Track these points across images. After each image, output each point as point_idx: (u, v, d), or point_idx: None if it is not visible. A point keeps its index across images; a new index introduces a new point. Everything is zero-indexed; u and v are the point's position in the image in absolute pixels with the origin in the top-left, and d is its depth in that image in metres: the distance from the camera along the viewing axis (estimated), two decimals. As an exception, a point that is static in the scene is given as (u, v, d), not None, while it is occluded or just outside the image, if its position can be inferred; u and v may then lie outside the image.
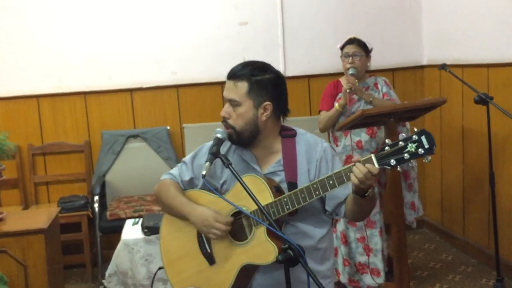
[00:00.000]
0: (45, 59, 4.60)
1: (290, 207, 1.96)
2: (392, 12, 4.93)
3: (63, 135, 4.68)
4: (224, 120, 2.09)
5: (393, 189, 3.39)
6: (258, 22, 4.79)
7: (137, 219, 3.65)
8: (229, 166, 1.93)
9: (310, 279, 1.64)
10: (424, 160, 1.81)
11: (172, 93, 4.77)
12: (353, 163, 1.86)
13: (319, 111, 3.86)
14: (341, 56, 3.81)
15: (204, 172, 1.94)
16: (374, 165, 1.83)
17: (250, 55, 4.47)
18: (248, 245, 2.03)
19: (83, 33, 4.62)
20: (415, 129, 1.82)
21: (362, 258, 3.78)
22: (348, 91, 3.60)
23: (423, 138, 1.79)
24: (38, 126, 4.66)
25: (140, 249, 3.34)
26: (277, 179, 2.09)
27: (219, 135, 2.05)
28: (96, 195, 4.30)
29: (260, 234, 2.00)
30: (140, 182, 4.56)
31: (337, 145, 3.82)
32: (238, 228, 2.08)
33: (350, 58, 3.72)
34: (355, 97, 3.73)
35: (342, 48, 3.81)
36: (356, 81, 3.68)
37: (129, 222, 3.64)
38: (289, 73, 4.76)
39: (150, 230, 3.33)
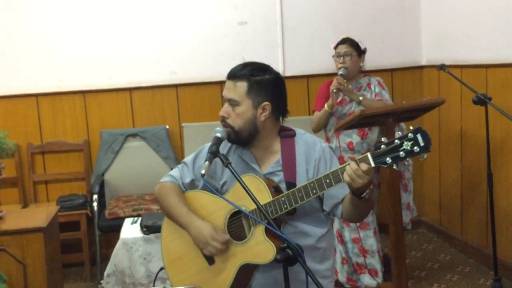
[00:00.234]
0: (45, 58, 4.60)
1: (288, 206, 1.97)
2: (392, 13, 4.94)
3: (62, 134, 4.68)
4: (223, 120, 2.11)
5: (391, 189, 3.39)
6: (258, 22, 4.80)
7: (136, 218, 3.65)
8: (228, 165, 1.94)
9: (308, 278, 1.65)
10: (420, 158, 1.81)
11: (171, 92, 4.78)
12: (349, 162, 1.86)
13: (313, 111, 3.88)
14: (333, 56, 3.82)
15: (203, 172, 1.95)
16: (370, 163, 1.83)
17: (250, 54, 4.47)
18: (247, 244, 2.04)
19: (83, 33, 4.63)
20: (411, 128, 1.82)
21: (359, 259, 3.79)
22: (334, 91, 3.62)
23: (419, 136, 1.80)
24: (37, 125, 4.66)
25: (139, 248, 3.34)
26: (276, 179, 2.10)
27: (218, 135, 2.06)
28: (95, 194, 4.30)
29: (258, 233, 2.00)
30: (139, 181, 4.57)
31: None
32: (237, 227, 2.09)
33: (342, 58, 3.74)
34: (348, 97, 3.75)
35: (335, 48, 3.83)
36: (345, 81, 3.69)
37: (128, 221, 3.65)
38: (288, 73, 4.77)
39: (149, 229, 3.33)
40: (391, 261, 3.48)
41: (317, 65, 4.76)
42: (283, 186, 2.08)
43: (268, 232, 1.98)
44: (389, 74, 4.99)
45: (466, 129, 4.34)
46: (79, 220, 4.37)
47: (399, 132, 1.84)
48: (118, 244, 3.37)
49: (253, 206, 1.98)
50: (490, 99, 3.37)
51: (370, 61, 4.79)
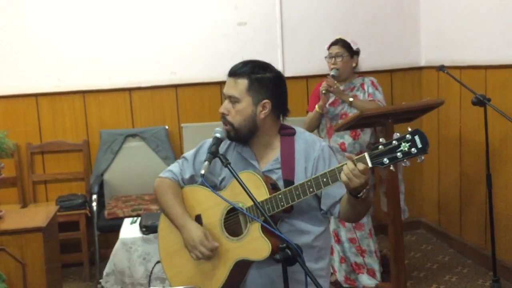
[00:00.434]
0: (45, 58, 4.60)
1: (285, 204, 1.98)
2: (391, 14, 4.95)
3: (62, 134, 4.69)
4: (223, 117, 2.12)
5: (390, 189, 3.40)
6: (257, 22, 4.80)
7: (135, 218, 3.65)
8: (228, 165, 1.95)
9: (306, 278, 1.66)
10: (417, 160, 1.82)
11: (170, 92, 4.78)
12: (346, 162, 1.87)
13: (307, 112, 3.89)
14: (325, 57, 3.84)
15: (203, 172, 1.96)
16: (367, 163, 1.83)
17: (249, 55, 4.43)
18: (242, 240, 2.05)
19: (83, 33, 4.63)
20: (409, 129, 1.83)
21: (357, 259, 3.79)
22: (323, 92, 3.63)
23: (417, 138, 1.80)
24: (37, 125, 4.66)
25: (138, 248, 3.34)
26: (274, 176, 2.11)
27: (218, 135, 2.07)
28: (94, 194, 4.30)
29: (254, 230, 2.01)
30: (138, 181, 4.57)
31: None
32: (234, 223, 2.10)
33: (333, 59, 3.75)
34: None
35: (328, 48, 3.84)
36: (335, 82, 3.70)
37: (127, 221, 3.65)
38: (288, 73, 4.77)
39: (148, 229, 3.33)
40: (390, 261, 3.49)
41: (316, 65, 4.76)
42: (281, 183, 2.09)
43: (264, 229, 1.99)
44: (389, 75, 4.99)
45: (465, 130, 4.34)
46: (78, 220, 4.37)
47: (397, 134, 1.84)
48: (117, 244, 3.37)
49: (251, 203, 1.99)
50: (489, 100, 3.38)
51: (370, 62, 4.83)
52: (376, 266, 3.79)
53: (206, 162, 1.98)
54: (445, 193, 4.74)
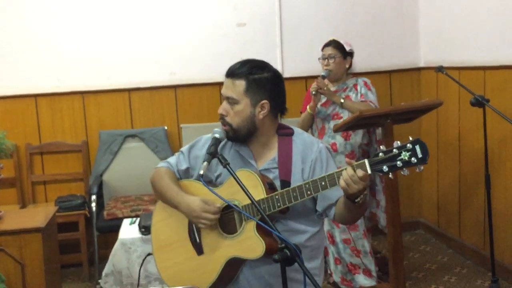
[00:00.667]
0: (44, 58, 4.60)
1: (281, 205, 1.98)
2: (390, 14, 4.95)
3: (61, 134, 4.69)
4: (222, 117, 2.12)
5: (389, 190, 3.40)
6: (257, 22, 4.81)
7: (134, 219, 3.65)
8: (227, 166, 1.95)
9: (300, 277, 1.65)
10: (416, 169, 1.83)
11: (170, 93, 4.79)
12: (346, 167, 1.87)
13: (300, 113, 3.90)
14: (319, 59, 3.85)
15: (201, 172, 1.96)
16: (367, 170, 1.84)
17: (249, 55, 4.37)
18: (237, 238, 2.06)
19: (82, 33, 4.63)
20: (410, 138, 1.84)
21: (353, 259, 3.79)
22: (313, 93, 3.65)
23: (417, 147, 1.81)
24: (36, 126, 4.66)
25: (137, 249, 3.35)
26: (271, 176, 2.11)
27: (217, 135, 2.07)
28: (94, 194, 4.30)
29: (249, 228, 2.02)
30: (137, 182, 4.57)
31: None
32: (228, 220, 2.11)
33: (326, 60, 3.76)
34: None
35: (322, 50, 3.85)
36: (326, 83, 3.71)
37: (126, 222, 3.65)
38: (287, 73, 4.77)
39: (147, 229, 3.33)
40: (389, 262, 3.49)
41: (316, 65, 4.72)
42: (277, 183, 2.09)
43: (259, 229, 2.00)
44: (387, 75, 5.00)
45: (464, 131, 4.35)
46: (77, 221, 4.38)
47: (398, 142, 1.86)
48: (116, 245, 3.37)
49: (246, 201, 2.00)
50: (488, 101, 3.38)
51: (369, 63, 4.84)
52: (372, 266, 3.80)
53: (205, 163, 1.98)
54: (444, 193, 4.74)
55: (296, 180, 2.08)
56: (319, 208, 2.12)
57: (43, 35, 4.59)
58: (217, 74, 4.36)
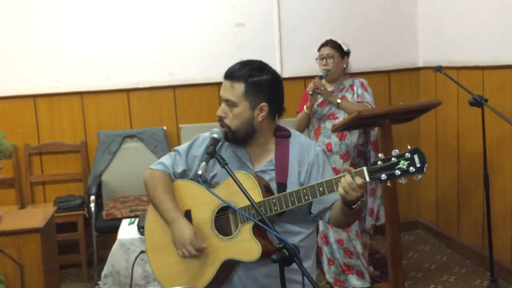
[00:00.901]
0: (43, 59, 4.60)
1: (278, 209, 1.99)
2: (388, 14, 4.95)
3: (60, 135, 4.68)
4: (220, 119, 2.11)
5: (388, 190, 3.40)
6: (255, 23, 4.81)
7: (133, 219, 3.65)
8: (225, 166, 1.94)
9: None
10: (414, 178, 1.85)
11: (168, 93, 4.79)
12: (344, 173, 1.89)
13: (297, 113, 3.90)
14: (316, 59, 3.84)
15: (200, 172, 1.95)
16: (365, 178, 1.86)
17: (247, 56, 4.36)
18: (232, 240, 2.06)
19: (81, 34, 4.63)
20: (409, 147, 1.86)
21: (346, 260, 3.80)
22: (310, 93, 3.64)
23: (416, 157, 1.83)
24: (34, 126, 4.66)
25: (136, 249, 3.34)
26: (267, 177, 2.12)
27: (215, 135, 2.06)
28: (92, 195, 4.30)
29: (245, 231, 2.03)
30: (136, 182, 4.55)
31: None
32: (224, 222, 2.11)
33: (324, 60, 3.76)
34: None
35: (319, 50, 3.84)
36: (323, 83, 3.70)
37: (125, 222, 3.64)
38: (285, 74, 4.78)
39: (146, 230, 3.33)
40: (388, 262, 3.49)
41: (314, 66, 4.73)
42: (273, 185, 2.10)
43: (255, 231, 2.01)
44: (386, 75, 5.00)
45: (463, 130, 4.35)
46: (76, 221, 4.37)
47: (396, 150, 1.88)
48: (115, 245, 3.37)
49: (243, 203, 2.00)
50: (486, 100, 3.38)
51: (367, 63, 4.84)
52: (363, 268, 3.79)
53: (204, 163, 1.97)
54: (443, 193, 4.75)
55: (292, 183, 2.09)
56: (314, 211, 2.13)
57: (42, 35, 4.59)
58: (216, 74, 4.37)
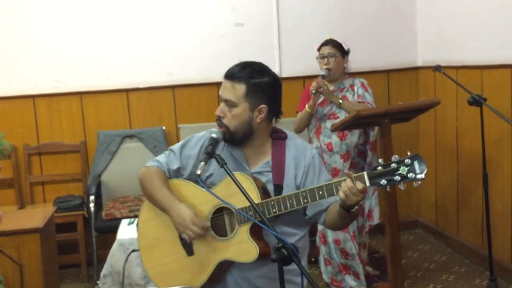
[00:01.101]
0: (42, 59, 4.60)
1: (277, 211, 2.00)
2: (388, 14, 4.96)
3: (59, 135, 4.69)
4: (219, 119, 2.11)
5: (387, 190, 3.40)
6: (254, 23, 4.81)
7: (132, 219, 3.66)
8: (224, 166, 1.94)
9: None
10: (414, 184, 1.88)
11: (168, 93, 4.79)
12: (344, 178, 1.90)
13: (296, 112, 3.89)
14: (317, 58, 3.83)
15: (199, 172, 1.95)
16: (365, 183, 1.88)
17: (246, 56, 4.45)
18: (229, 241, 2.06)
19: (81, 34, 4.63)
20: (408, 153, 1.88)
21: (343, 260, 3.80)
22: (313, 92, 3.63)
23: (416, 163, 1.87)
24: (34, 126, 4.66)
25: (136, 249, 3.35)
26: (263, 179, 2.12)
27: (214, 135, 2.07)
28: (92, 195, 4.31)
29: (243, 232, 2.03)
30: (135, 182, 4.42)
31: None
32: (219, 223, 2.11)
33: (326, 59, 3.75)
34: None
35: (319, 49, 3.84)
36: (326, 83, 3.70)
37: (124, 222, 3.65)
38: (285, 74, 4.78)
39: (146, 230, 3.33)
40: (387, 261, 3.49)
41: (313, 66, 4.75)
42: (270, 187, 2.10)
43: (253, 233, 2.02)
44: (385, 75, 5.00)
45: (462, 130, 4.35)
46: (75, 221, 4.38)
47: (396, 156, 1.91)
48: (115, 245, 3.37)
49: (241, 205, 1.99)
50: (485, 99, 3.38)
51: (366, 62, 4.84)
52: (359, 269, 3.78)
53: (202, 163, 1.98)
54: (442, 193, 4.75)
55: (288, 185, 2.10)
56: (309, 213, 2.14)
57: (41, 35, 4.59)
58: (215, 74, 4.39)
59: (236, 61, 2.17)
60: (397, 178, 1.86)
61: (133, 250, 2.34)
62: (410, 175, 1.85)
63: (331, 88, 3.80)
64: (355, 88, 3.78)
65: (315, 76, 3.78)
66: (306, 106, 3.74)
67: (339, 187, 1.90)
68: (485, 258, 3.76)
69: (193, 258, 2.12)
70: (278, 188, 2.08)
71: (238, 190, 1.88)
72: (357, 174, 1.89)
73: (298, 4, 4.84)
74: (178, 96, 4.79)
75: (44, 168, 4.70)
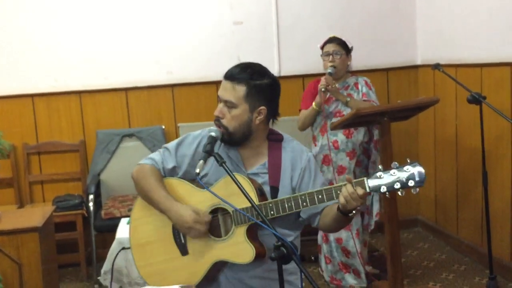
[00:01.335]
0: (41, 58, 4.60)
1: (275, 213, 2.00)
2: (387, 12, 4.95)
3: (58, 134, 4.68)
4: (217, 119, 2.10)
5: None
6: (253, 21, 4.80)
7: (131, 218, 3.65)
8: (223, 164, 1.94)
9: (301, 276, 1.66)
10: (412, 191, 1.90)
11: (167, 92, 4.78)
12: (344, 183, 1.91)
13: (299, 110, 3.87)
14: (321, 55, 3.82)
15: (198, 170, 1.94)
16: (366, 188, 1.89)
17: (245, 54, 4.46)
18: (225, 242, 2.06)
19: (80, 33, 4.63)
20: (408, 160, 1.91)
21: (343, 258, 3.79)
22: (322, 90, 3.61)
23: (415, 171, 1.89)
24: (33, 125, 4.66)
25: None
26: (259, 180, 2.12)
27: (213, 134, 2.06)
28: (91, 194, 4.31)
29: (239, 233, 2.03)
30: (135, 181, 4.55)
31: (315, 145, 3.83)
32: (214, 224, 2.10)
33: (331, 56, 3.73)
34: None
35: (322, 47, 3.82)
36: (334, 81, 3.68)
37: (123, 221, 3.64)
38: (284, 72, 4.78)
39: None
40: (387, 260, 3.49)
41: (312, 64, 4.76)
42: (266, 189, 2.10)
43: (249, 235, 2.02)
44: (385, 73, 5.00)
45: (461, 128, 4.35)
46: (75, 220, 4.37)
47: (396, 163, 1.93)
48: (114, 244, 3.37)
49: (240, 205, 1.98)
50: (484, 98, 3.38)
51: (366, 61, 4.84)
52: (360, 268, 3.78)
53: (201, 161, 1.97)
54: (441, 191, 4.75)
55: (284, 187, 2.11)
56: (304, 215, 2.14)
57: (41, 35, 4.58)
58: (214, 73, 4.39)
59: (235, 59, 2.18)
60: (397, 185, 1.89)
61: (123, 248, 2.32)
62: (410, 182, 1.88)
63: (336, 86, 3.79)
64: (359, 87, 3.78)
65: (314, 75, 3.79)
66: (313, 103, 3.70)
67: (339, 192, 1.92)
68: (485, 256, 3.75)
69: (187, 258, 2.12)
70: (274, 190, 2.09)
71: (236, 191, 1.88)
72: (357, 180, 1.91)
73: (297, 2, 4.83)
74: (177, 95, 4.79)
75: (43, 167, 4.69)
